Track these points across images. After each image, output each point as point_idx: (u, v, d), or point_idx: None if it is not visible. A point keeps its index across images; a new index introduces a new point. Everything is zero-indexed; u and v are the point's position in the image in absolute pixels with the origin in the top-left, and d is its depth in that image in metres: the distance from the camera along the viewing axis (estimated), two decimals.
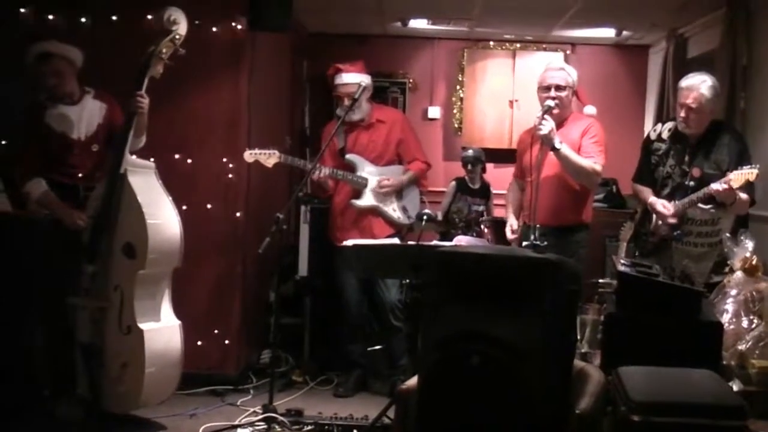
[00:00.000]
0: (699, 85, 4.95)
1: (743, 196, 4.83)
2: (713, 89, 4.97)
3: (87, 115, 5.12)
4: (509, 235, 5.49)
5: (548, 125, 4.99)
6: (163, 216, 4.88)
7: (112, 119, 5.18)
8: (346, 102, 5.85)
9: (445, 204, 7.27)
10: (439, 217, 6.92)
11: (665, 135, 5.21)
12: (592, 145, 5.23)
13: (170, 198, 4.95)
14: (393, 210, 6.01)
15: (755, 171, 4.63)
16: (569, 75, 5.32)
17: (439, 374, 3.29)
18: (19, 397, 5.09)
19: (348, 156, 5.98)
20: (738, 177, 4.65)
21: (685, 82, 5.05)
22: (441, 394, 3.27)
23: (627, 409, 3.24)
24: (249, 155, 5.62)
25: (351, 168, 5.97)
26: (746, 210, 5.02)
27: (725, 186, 4.69)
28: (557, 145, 5.01)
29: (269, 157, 5.63)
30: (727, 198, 4.79)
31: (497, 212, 7.12)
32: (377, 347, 6.22)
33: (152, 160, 5.06)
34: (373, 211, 5.98)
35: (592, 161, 5.16)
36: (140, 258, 4.74)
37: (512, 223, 5.54)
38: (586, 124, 5.32)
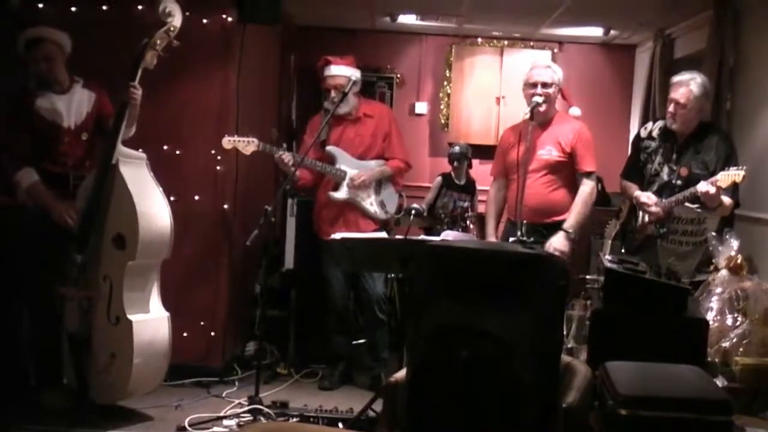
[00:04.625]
0: (689, 81, 5.02)
1: (727, 200, 4.90)
2: (702, 87, 5.03)
3: (76, 103, 5.11)
4: None
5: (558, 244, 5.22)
6: (154, 207, 4.87)
7: (100, 108, 5.18)
8: (333, 94, 5.84)
9: (430, 199, 7.29)
10: (424, 212, 6.96)
11: (655, 133, 5.27)
12: (587, 154, 5.39)
13: (161, 189, 4.94)
14: (370, 204, 6.00)
15: (742, 173, 4.68)
16: (555, 73, 5.42)
17: (428, 367, 3.30)
18: (6, 386, 5.08)
19: (328, 148, 5.96)
20: (725, 178, 4.71)
21: (675, 78, 5.13)
22: (430, 387, 3.29)
23: (614, 403, 3.28)
24: (227, 142, 5.60)
25: (330, 160, 5.96)
26: (729, 212, 5.07)
27: (712, 187, 4.73)
28: (572, 234, 5.27)
29: (247, 145, 5.61)
30: (711, 201, 4.84)
31: (482, 208, 7.15)
32: (360, 341, 6.23)
33: (140, 150, 5.05)
34: (351, 205, 5.97)
35: (586, 184, 5.36)
36: (130, 249, 4.74)
37: (490, 238, 5.62)
38: (576, 128, 5.45)
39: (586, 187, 5.35)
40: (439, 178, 7.38)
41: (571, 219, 5.28)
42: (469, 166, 7.35)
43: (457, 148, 7.30)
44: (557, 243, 5.20)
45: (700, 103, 5.06)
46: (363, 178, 5.90)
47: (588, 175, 5.36)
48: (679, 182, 5.07)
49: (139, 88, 4.87)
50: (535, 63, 5.58)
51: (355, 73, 5.89)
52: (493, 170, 5.77)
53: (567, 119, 5.63)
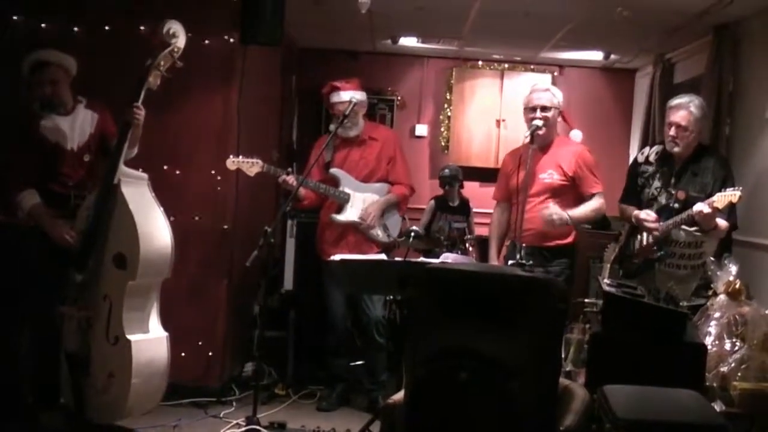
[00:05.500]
0: (688, 103, 5.05)
1: (722, 223, 4.91)
2: (701, 109, 5.07)
3: (79, 124, 5.11)
4: None
5: (553, 212, 5.20)
6: (155, 227, 4.85)
7: (103, 128, 5.18)
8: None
9: (425, 222, 7.30)
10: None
11: (652, 158, 5.29)
12: (592, 177, 5.43)
13: (162, 209, 4.94)
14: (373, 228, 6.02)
15: (738, 193, 4.70)
16: (554, 96, 5.42)
17: (426, 390, 3.31)
18: (3, 405, 5.07)
19: (332, 170, 5.98)
20: (722, 198, 4.72)
21: (674, 101, 5.15)
22: (428, 410, 3.29)
23: (612, 427, 3.28)
24: (231, 162, 5.62)
25: (334, 182, 5.97)
26: (725, 234, 5.08)
27: (707, 207, 4.75)
28: (570, 221, 5.25)
29: (252, 166, 5.64)
30: (705, 222, 4.85)
31: (479, 229, 7.17)
32: (359, 363, 6.23)
33: (140, 170, 5.06)
34: (354, 228, 5.98)
35: (596, 199, 5.39)
36: (131, 269, 4.73)
37: (493, 261, 5.63)
38: (578, 152, 5.47)
39: (597, 201, 5.40)
40: (432, 202, 7.41)
41: (577, 210, 5.32)
42: (461, 186, 7.36)
43: (446, 171, 7.32)
44: (558, 213, 5.24)
45: (700, 125, 5.09)
46: (372, 215, 5.90)
47: (596, 195, 5.39)
48: (676, 205, 5.07)
49: (142, 108, 4.87)
50: (534, 86, 5.59)
51: (355, 95, 5.87)
52: (496, 194, 5.78)
53: (567, 142, 5.66)
